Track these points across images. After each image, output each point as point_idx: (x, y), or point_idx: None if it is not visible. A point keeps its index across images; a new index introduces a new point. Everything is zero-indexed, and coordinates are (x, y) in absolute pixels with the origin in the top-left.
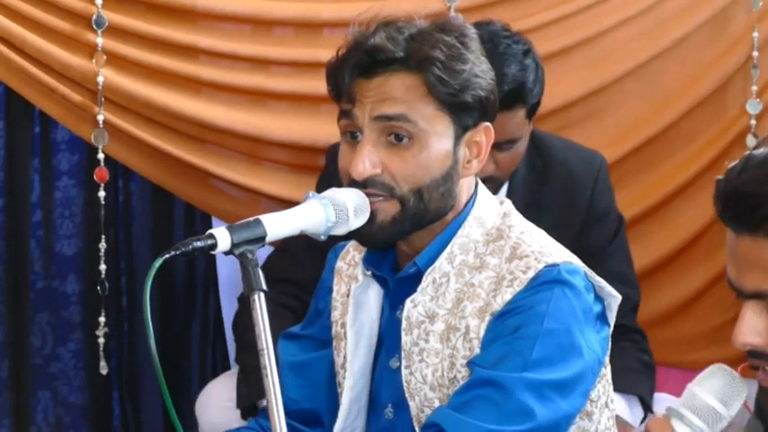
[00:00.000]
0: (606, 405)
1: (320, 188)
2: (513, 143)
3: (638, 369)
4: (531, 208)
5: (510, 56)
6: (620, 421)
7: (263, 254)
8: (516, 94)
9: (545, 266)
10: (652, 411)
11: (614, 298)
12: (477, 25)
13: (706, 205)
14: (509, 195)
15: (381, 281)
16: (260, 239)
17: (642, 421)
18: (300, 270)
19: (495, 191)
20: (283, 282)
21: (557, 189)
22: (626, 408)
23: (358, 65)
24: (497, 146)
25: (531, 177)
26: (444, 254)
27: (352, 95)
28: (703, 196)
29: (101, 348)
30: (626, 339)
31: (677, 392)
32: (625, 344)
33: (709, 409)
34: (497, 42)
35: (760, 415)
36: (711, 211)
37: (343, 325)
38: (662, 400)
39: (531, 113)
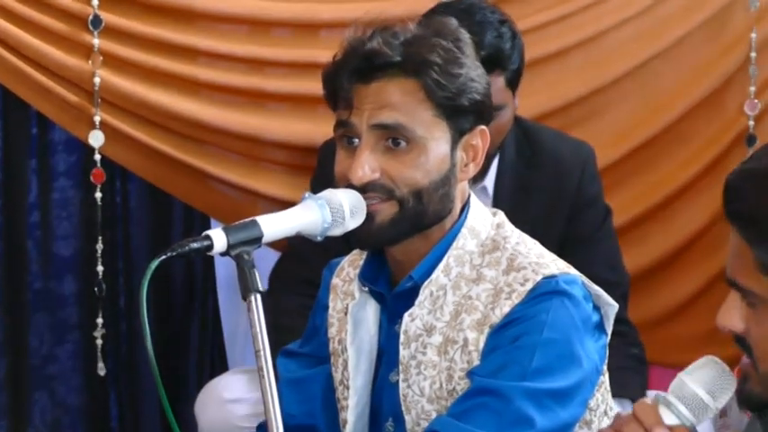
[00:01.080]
0: (605, 413)
1: (315, 187)
2: (496, 111)
3: (629, 366)
4: (521, 192)
5: (486, 23)
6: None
7: (261, 255)
8: (494, 59)
9: (543, 278)
10: None
11: (611, 307)
12: (451, 2)
13: (705, 206)
14: (498, 179)
15: (378, 296)
16: (256, 240)
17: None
18: (311, 270)
19: (484, 167)
20: (302, 284)
21: (545, 174)
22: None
23: (356, 70)
24: None
25: (520, 163)
26: (440, 267)
27: (350, 101)
28: (702, 196)
29: (98, 349)
30: (614, 334)
31: None
32: (613, 340)
33: (697, 400)
34: (473, 12)
35: (739, 401)
36: (710, 212)
37: (341, 341)
38: None
39: (511, 83)
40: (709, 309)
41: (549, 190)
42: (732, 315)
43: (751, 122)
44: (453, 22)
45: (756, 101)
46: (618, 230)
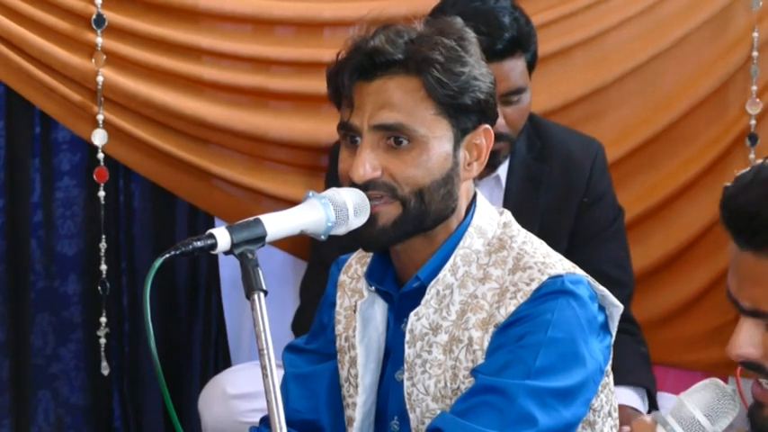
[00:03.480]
0: (609, 414)
1: (329, 187)
2: (519, 94)
3: (641, 362)
4: (531, 185)
5: (501, 8)
6: (630, 412)
7: (266, 255)
8: (516, 40)
9: (549, 278)
10: (656, 407)
11: (616, 308)
12: None
13: (707, 205)
14: (509, 172)
15: (385, 295)
16: (260, 239)
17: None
18: None
19: (505, 152)
20: None
21: (555, 168)
22: (638, 399)
23: (357, 68)
24: (505, 100)
25: (530, 155)
26: (447, 266)
27: (352, 99)
28: (704, 196)
29: (102, 349)
30: (622, 331)
31: (677, 392)
32: (622, 336)
33: (694, 422)
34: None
35: (752, 426)
36: (712, 212)
37: (348, 339)
38: (666, 399)
39: (530, 66)
40: (712, 308)
41: (558, 183)
42: (753, 343)
43: (753, 122)
44: (459, 21)
45: (758, 100)
46: None
